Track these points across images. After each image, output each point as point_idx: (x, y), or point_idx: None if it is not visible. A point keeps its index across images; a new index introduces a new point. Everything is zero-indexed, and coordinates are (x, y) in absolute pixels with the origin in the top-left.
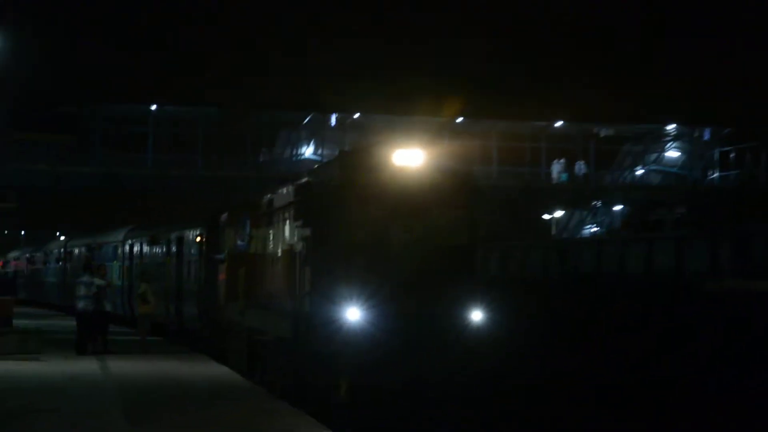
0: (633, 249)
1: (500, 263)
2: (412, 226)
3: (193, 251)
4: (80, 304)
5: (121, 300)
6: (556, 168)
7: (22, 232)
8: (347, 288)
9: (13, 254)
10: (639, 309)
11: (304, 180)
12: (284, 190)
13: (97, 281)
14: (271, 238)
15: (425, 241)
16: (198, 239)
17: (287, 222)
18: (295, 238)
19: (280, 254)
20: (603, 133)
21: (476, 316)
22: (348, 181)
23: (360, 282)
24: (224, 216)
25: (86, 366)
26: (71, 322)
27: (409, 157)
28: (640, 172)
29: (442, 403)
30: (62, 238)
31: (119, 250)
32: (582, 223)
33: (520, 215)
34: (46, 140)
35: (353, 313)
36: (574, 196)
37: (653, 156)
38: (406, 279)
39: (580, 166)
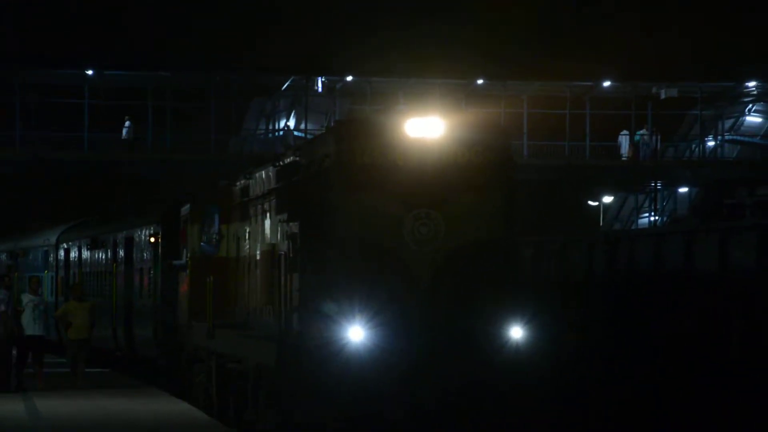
0: (703, 242)
1: (533, 262)
2: (431, 217)
3: (145, 255)
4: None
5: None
6: (625, 141)
7: None
8: (347, 300)
9: None
10: (710, 319)
11: (289, 159)
12: (263, 174)
13: (30, 297)
14: (247, 236)
15: (449, 236)
16: (152, 240)
17: (268, 215)
18: (279, 236)
19: (259, 257)
20: (664, 94)
21: (516, 333)
22: (346, 159)
23: (364, 292)
24: (185, 209)
25: (8, 407)
26: None
27: (426, 128)
28: (711, 143)
29: None
30: None
31: (51, 257)
32: (637, 210)
33: (558, 201)
34: None
35: (356, 333)
36: (628, 176)
37: (729, 122)
38: (425, 287)
39: (655, 138)
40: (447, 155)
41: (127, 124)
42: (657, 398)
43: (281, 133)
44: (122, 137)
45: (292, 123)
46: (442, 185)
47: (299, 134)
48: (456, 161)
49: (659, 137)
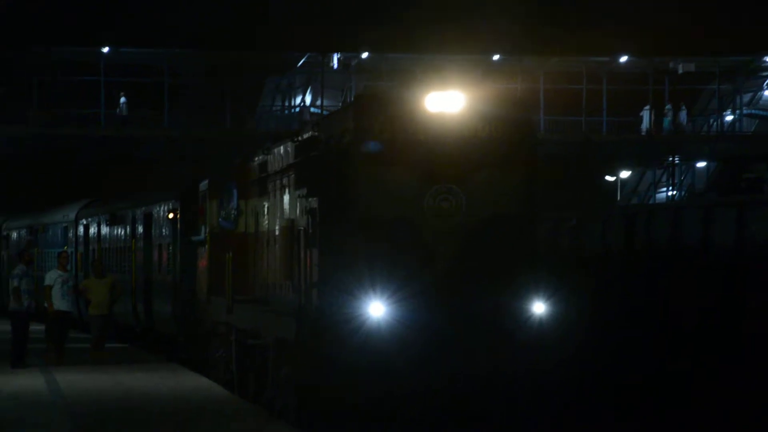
0: (721, 217)
1: (550, 237)
2: (452, 192)
3: (164, 231)
4: (23, 303)
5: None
6: (647, 116)
7: None
8: (367, 275)
9: None
10: (728, 293)
11: (309, 135)
12: (282, 150)
13: (59, 273)
14: (266, 211)
15: (470, 211)
16: (170, 216)
17: (287, 191)
18: (298, 212)
19: (278, 233)
20: (681, 68)
21: (539, 308)
22: (366, 134)
23: (385, 267)
24: (204, 185)
25: (28, 382)
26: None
27: (447, 102)
28: (729, 117)
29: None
30: None
31: (70, 233)
32: (655, 185)
33: (575, 176)
34: None
35: (376, 309)
36: (646, 151)
37: (747, 97)
38: (446, 262)
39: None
40: (467, 130)
41: (122, 100)
42: (674, 372)
43: (297, 110)
44: (117, 113)
45: (308, 99)
46: (462, 160)
47: (315, 110)
48: (477, 136)
49: (687, 112)
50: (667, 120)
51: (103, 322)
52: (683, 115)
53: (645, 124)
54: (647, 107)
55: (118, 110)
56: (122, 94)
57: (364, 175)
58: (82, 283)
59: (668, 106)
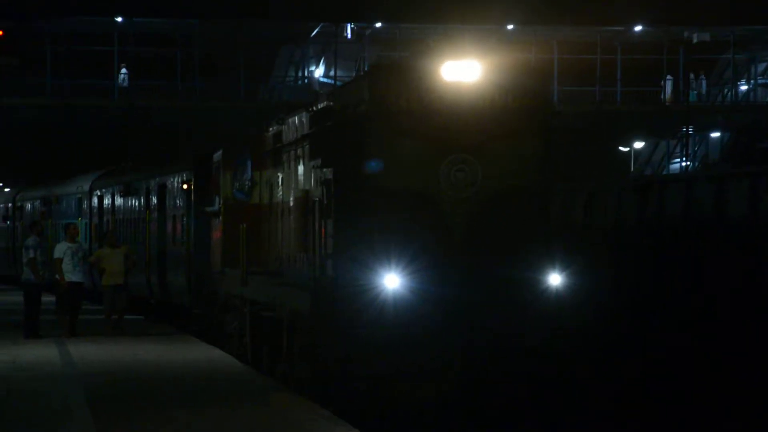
0: (734, 187)
1: (561, 208)
2: (467, 162)
3: (178, 202)
4: (40, 275)
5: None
6: (670, 85)
7: None
8: (383, 246)
9: None
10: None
11: (324, 105)
12: (296, 120)
13: (68, 245)
14: (281, 182)
15: (486, 182)
16: (185, 187)
17: (301, 161)
18: (313, 183)
19: (292, 204)
20: (696, 38)
21: (555, 280)
22: (382, 104)
23: (400, 238)
24: (217, 155)
25: (41, 353)
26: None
27: (463, 71)
28: (744, 87)
29: (510, 400)
30: (7, 189)
31: (84, 204)
32: (669, 156)
33: (588, 147)
34: None
35: (391, 280)
36: (660, 121)
37: (762, 66)
38: (462, 233)
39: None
40: (484, 99)
41: (123, 71)
42: (689, 344)
43: (306, 80)
44: (118, 84)
45: (321, 70)
46: (478, 130)
47: (326, 80)
48: (493, 105)
49: (705, 81)
50: (694, 93)
51: (117, 292)
52: (703, 84)
53: (668, 94)
54: (669, 77)
55: (119, 81)
56: (123, 65)
57: (380, 145)
58: (95, 254)
59: (692, 76)
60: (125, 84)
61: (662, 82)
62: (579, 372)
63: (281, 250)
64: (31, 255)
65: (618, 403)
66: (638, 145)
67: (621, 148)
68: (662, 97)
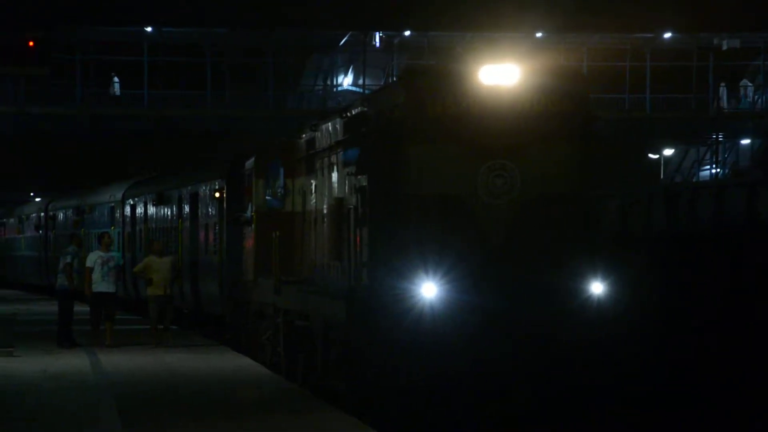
0: (765, 194)
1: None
2: (506, 168)
3: (210, 211)
4: (74, 281)
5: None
6: (725, 92)
7: None
8: (419, 255)
9: None
10: None
11: (358, 110)
12: (330, 126)
13: (99, 254)
14: (314, 190)
15: (525, 188)
16: (217, 195)
17: (335, 168)
18: (347, 190)
19: (326, 211)
20: (726, 45)
21: (597, 288)
22: (417, 109)
23: (437, 246)
24: (250, 163)
25: (72, 362)
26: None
27: (501, 75)
28: None
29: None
30: (38, 199)
31: (117, 213)
32: (699, 163)
33: (620, 154)
34: (10, 74)
35: (428, 289)
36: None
37: None
38: (500, 240)
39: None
40: (522, 103)
41: (115, 80)
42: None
43: (337, 89)
44: (111, 94)
45: (349, 79)
46: (517, 135)
47: (354, 89)
48: (532, 109)
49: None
50: (747, 100)
51: (163, 303)
52: (749, 91)
53: (724, 102)
54: (724, 84)
55: (111, 91)
56: (113, 74)
57: (416, 152)
58: (143, 262)
59: (743, 81)
60: (117, 93)
61: (719, 90)
62: (616, 381)
63: (315, 258)
64: (68, 260)
65: (652, 411)
66: (668, 152)
67: (651, 155)
68: (716, 104)
